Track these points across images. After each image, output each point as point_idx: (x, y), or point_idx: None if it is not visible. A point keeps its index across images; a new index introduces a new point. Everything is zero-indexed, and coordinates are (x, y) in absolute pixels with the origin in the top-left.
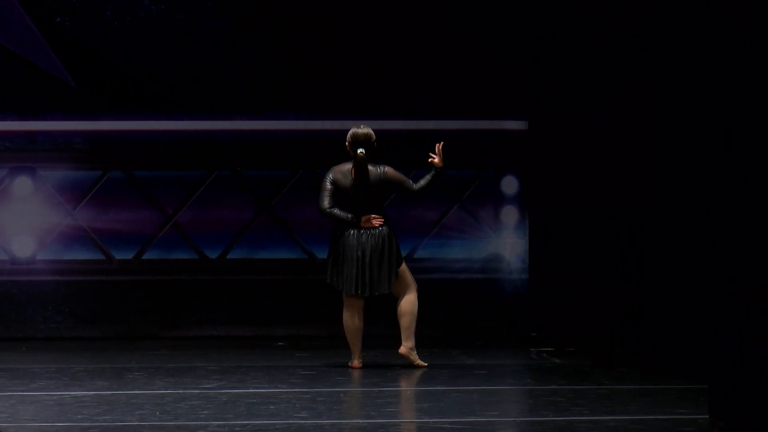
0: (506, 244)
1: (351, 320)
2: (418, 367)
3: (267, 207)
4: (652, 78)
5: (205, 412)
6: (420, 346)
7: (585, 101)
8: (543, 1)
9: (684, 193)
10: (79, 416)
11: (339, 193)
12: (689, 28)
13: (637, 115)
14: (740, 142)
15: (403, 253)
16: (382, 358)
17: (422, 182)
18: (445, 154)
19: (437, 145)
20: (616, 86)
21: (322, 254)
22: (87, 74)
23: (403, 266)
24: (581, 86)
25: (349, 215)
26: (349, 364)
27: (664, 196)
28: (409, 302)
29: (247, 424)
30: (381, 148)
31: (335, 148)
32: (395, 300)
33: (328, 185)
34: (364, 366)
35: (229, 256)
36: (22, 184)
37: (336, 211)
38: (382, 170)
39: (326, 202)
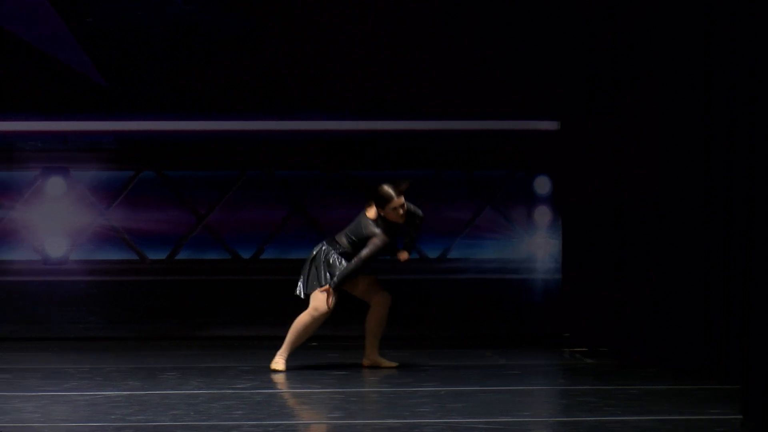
0: (538, 244)
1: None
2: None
3: (299, 207)
4: (687, 76)
5: (239, 412)
6: (452, 346)
7: (617, 101)
8: (574, 2)
9: (717, 193)
10: (111, 416)
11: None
12: (727, 29)
13: (670, 113)
14: None
15: (436, 254)
16: (413, 358)
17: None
18: (477, 155)
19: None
20: (649, 86)
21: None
22: (119, 74)
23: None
24: (613, 86)
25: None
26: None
27: (698, 195)
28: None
29: (280, 424)
30: (412, 148)
31: (367, 148)
32: (423, 304)
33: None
34: (398, 366)
35: (261, 257)
36: (55, 184)
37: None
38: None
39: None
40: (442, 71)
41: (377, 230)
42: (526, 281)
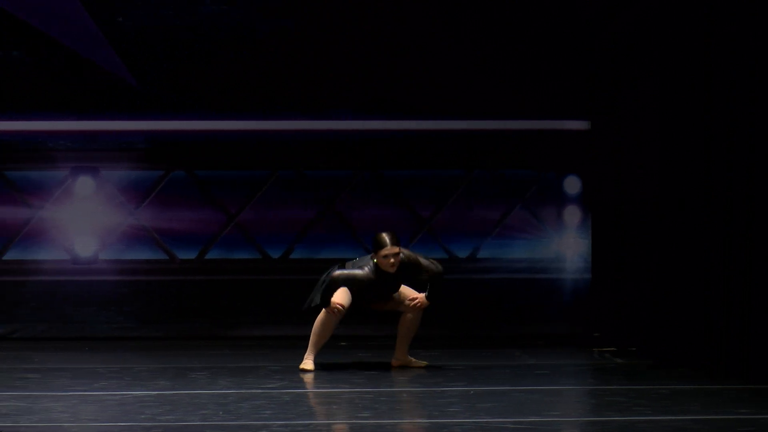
0: (568, 244)
1: None
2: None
3: (329, 207)
4: (687, 76)
5: (268, 411)
6: (482, 346)
7: (646, 100)
8: (604, 1)
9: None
10: (141, 416)
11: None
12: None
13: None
14: None
15: (466, 254)
16: (443, 358)
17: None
18: (507, 155)
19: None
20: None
21: None
22: (149, 74)
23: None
24: (643, 85)
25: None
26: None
27: (728, 196)
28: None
29: (309, 424)
30: (442, 148)
31: (398, 148)
32: (453, 303)
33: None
34: (427, 366)
35: (291, 257)
36: (85, 183)
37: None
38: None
39: None
40: (473, 72)
41: (362, 269)
42: (555, 281)
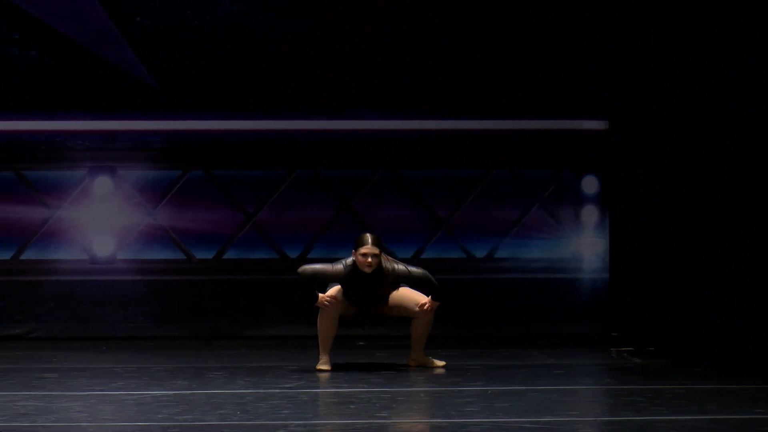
0: (586, 243)
1: None
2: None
3: (347, 207)
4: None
5: (285, 411)
6: (499, 346)
7: (663, 100)
8: (620, 0)
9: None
10: (159, 416)
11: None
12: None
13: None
14: None
15: (483, 253)
16: (460, 357)
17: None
18: (525, 154)
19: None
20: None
21: (402, 253)
22: (167, 73)
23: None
24: (660, 85)
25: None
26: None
27: (746, 195)
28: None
29: (327, 424)
30: (460, 148)
31: (416, 147)
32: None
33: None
34: (444, 366)
35: (309, 256)
36: (102, 183)
37: None
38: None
39: None
40: (489, 71)
41: (333, 265)
42: (573, 281)
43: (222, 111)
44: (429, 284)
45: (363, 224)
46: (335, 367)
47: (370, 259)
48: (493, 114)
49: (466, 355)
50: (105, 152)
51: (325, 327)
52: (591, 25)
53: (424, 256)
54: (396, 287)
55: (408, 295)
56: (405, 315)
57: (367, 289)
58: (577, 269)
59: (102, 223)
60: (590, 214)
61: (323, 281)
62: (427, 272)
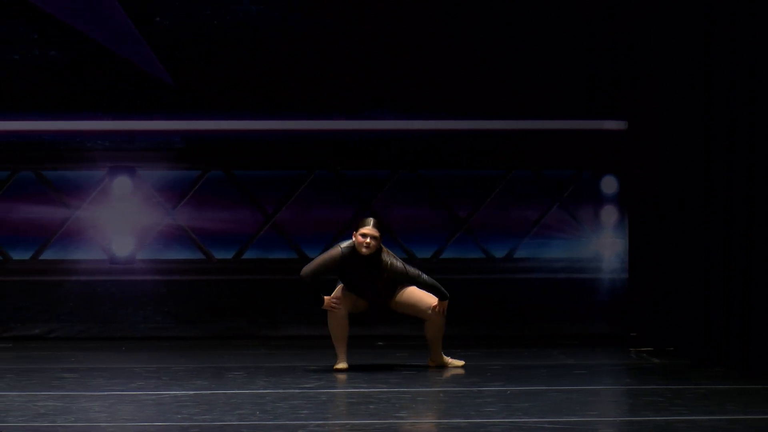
0: (605, 243)
1: None
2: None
3: (366, 207)
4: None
5: (305, 411)
6: (518, 346)
7: (684, 100)
8: (639, 1)
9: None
10: (178, 416)
11: None
12: None
13: (736, 112)
14: None
15: (503, 253)
16: (480, 358)
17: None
18: (545, 154)
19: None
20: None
21: (422, 254)
22: (186, 73)
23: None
24: (680, 85)
25: None
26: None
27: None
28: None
29: (346, 424)
30: (480, 148)
31: (436, 147)
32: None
33: None
34: (464, 366)
35: None
36: (122, 183)
37: None
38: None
39: None
40: (509, 72)
41: (329, 252)
42: (592, 281)
43: (241, 111)
44: (425, 284)
45: (383, 224)
46: (355, 368)
47: (369, 240)
48: (512, 114)
49: (486, 355)
50: (124, 152)
51: (335, 328)
52: (612, 25)
53: (443, 256)
54: (401, 285)
55: (420, 297)
56: (417, 316)
57: (364, 272)
58: (596, 269)
59: (121, 223)
60: (610, 214)
61: (326, 272)
62: (422, 273)
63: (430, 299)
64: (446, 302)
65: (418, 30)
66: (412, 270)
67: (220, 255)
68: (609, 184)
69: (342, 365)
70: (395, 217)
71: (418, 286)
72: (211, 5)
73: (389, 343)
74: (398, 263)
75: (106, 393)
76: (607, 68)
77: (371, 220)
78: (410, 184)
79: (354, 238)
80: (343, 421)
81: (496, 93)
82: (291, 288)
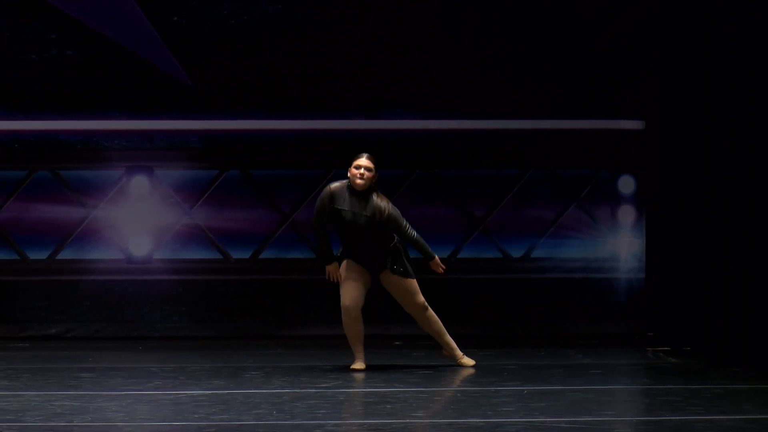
0: (623, 243)
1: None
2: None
3: None
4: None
5: (322, 411)
6: (535, 346)
7: (702, 100)
8: (658, 2)
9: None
10: (195, 415)
11: None
12: None
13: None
14: None
15: (520, 253)
16: (497, 357)
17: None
18: (562, 154)
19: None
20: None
21: (438, 253)
22: (204, 73)
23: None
24: (699, 85)
25: None
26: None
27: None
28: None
29: (364, 424)
30: (498, 148)
31: (453, 147)
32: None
33: None
34: (478, 365)
35: None
36: (139, 183)
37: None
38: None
39: None
40: (528, 72)
41: (329, 185)
42: (609, 280)
43: (259, 110)
44: (411, 240)
45: None
46: (372, 367)
47: (362, 171)
48: (529, 114)
49: (503, 355)
50: (142, 152)
51: (349, 328)
52: (631, 24)
53: (460, 255)
54: (393, 258)
55: (409, 300)
56: (404, 308)
57: (358, 208)
58: (613, 269)
59: (138, 223)
60: (627, 213)
61: (324, 213)
62: (410, 228)
63: (418, 299)
64: (437, 258)
65: (437, 31)
66: (404, 223)
67: (237, 255)
68: (626, 184)
69: (359, 365)
70: (412, 216)
71: (403, 239)
72: (229, 5)
73: (406, 342)
74: (390, 207)
75: (123, 392)
76: (624, 68)
77: (365, 154)
78: (427, 183)
79: (348, 173)
80: (360, 420)
81: (514, 93)
82: (308, 288)
